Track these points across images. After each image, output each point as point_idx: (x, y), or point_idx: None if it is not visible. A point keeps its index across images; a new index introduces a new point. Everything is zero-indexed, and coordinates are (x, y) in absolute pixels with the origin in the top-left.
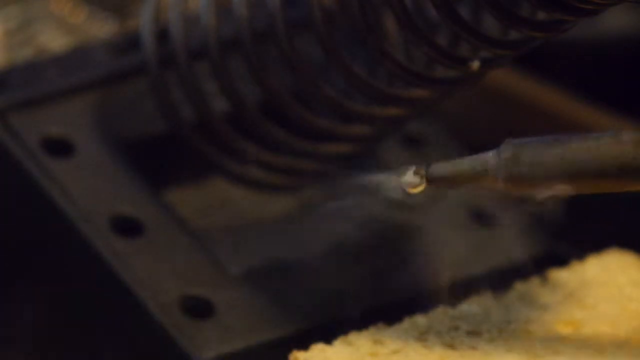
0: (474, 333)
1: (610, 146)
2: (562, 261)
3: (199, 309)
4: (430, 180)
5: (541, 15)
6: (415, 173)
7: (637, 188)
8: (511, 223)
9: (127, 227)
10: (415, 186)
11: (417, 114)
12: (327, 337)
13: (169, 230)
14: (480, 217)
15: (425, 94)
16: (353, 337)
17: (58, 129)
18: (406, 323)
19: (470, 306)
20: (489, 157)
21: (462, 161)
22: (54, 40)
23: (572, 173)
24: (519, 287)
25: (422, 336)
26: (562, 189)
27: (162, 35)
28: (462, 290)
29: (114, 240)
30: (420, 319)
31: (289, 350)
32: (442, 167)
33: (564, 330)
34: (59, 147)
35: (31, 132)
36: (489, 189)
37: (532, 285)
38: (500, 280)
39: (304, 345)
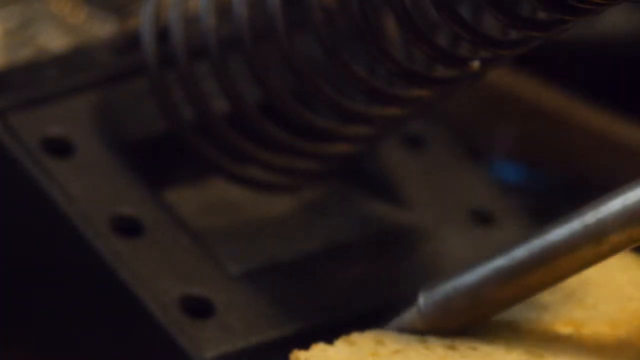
0: (474, 333)
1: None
2: None
3: (199, 309)
4: None
5: (541, 15)
6: None
7: None
8: (511, 223)
9: (127, 227)
10: None
11: (417, 114)
12: (328, 337)
13: (169, 230)
14: (480, 217)
15: (425, 94)
16: (354, 337)
17: (58, 129)
18: None
19: None
20: (413, 310)
21: (396, 321)
22: (54, 40)
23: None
24: None
25: (422, 336)
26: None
27: (162, 35)
28: None
29: (114, 240)
30: None
31: (289, 350)
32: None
33: (564, 330)
34: (59, 147)
35: (31, 132)
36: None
37: None
38: None
39: (304, 345)
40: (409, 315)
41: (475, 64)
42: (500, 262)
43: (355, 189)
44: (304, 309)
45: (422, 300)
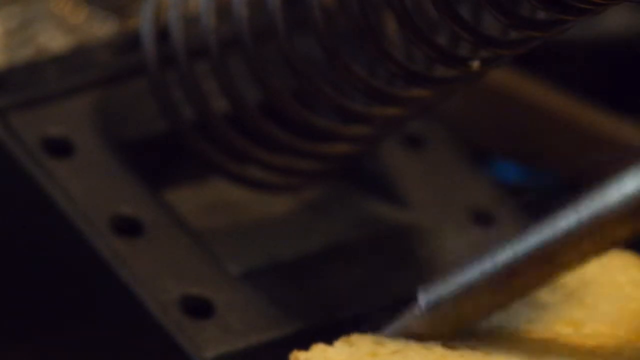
0: (474, 333)
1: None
2: None
3: (199, 309)
4: None
5: (541, 15)
6: None
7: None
8: (511, 223)
9: (127, 227)
10: None
11: (417, 114)
12: (328, 337)
13: (169, 230)
14: (480, 217)
15: (425, 94)
16: (354, 337)
17: (58, 129)
18: None
19: None
20: (414, 312)
21: (396, 323)
22: (54, 40)
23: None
24: None
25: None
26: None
27: (162, 35)
28: None
29: (114, 240)
30: None
31: (289, 350)
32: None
33: (564, 330)
34: (59, 147)
35: (31, 132)
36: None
37: None
38: None
39: (304, 345)
40: (408, 319)
41: (475, 64)
42: (495, 261)
43: (355, 189)
44: (304, 309)
45: (422, 301)
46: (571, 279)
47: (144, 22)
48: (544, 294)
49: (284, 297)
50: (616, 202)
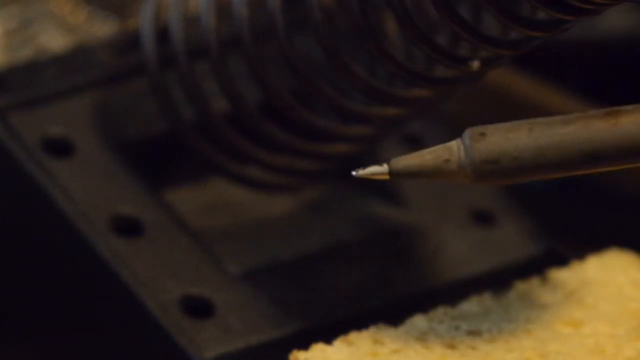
0: (474, 333)
1: (583, 127)
2: (562, 261)
3: (199, 309)
4: (392, 174)
5: (541, 15)
6: (379, 167)
7: (615, 167)
8: (511, 223)
9: (127, 227)
10: (379, 175)
11: (417, 114)
12: (327, 337)
13: (169, 230)
14: (480, 217)
15: (425, 94)
16: (353, 337)
17: (58, 129)
18: (406, 323)
19: (470, 306)
20: (452, 146)
21: (425, 152)
22: (54, 40)
23: (548, 158)
24: (519, 287)
25: (422, 336)
26: (536, 176)
27: (162, 35)
28: (462, 290)
29: (114, 240)
30: (420, 319)
31: (289, 350)
32: (404, 161)
33: (564, 330)
34: (59, 147)
35: (31, 132)
36: (455, 181)
37: (532, 285)
38: (500, 280)
39: (304, 345)
40: (442, 159)
41: (475, 64)
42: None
43: (355, 189)
44: (304, 309)
45: (471, 136)
46: (571, 279)
47: (144, 22)
48: (544, 294)
49: (284, 297)
50: None
